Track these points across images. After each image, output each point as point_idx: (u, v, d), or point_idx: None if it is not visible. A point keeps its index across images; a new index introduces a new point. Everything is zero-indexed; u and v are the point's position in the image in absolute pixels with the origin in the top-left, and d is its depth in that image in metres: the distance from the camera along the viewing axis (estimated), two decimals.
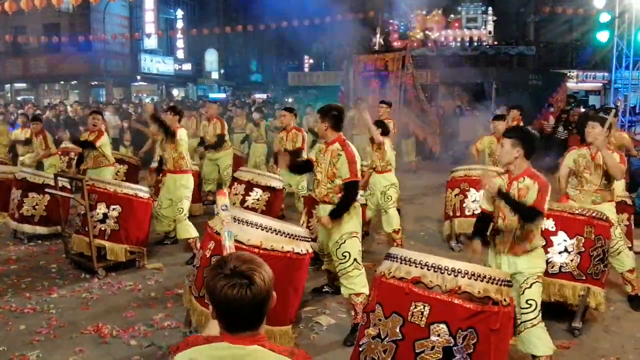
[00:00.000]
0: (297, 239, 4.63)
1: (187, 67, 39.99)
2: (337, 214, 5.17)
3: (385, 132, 7.89)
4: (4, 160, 11.33)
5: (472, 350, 3.33)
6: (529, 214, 4.14)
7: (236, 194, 8.16)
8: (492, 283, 3.42)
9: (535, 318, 4.19)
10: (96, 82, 33.33)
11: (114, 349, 5.04)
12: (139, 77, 34.80)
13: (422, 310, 3.39)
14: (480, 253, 4.44)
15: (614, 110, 7.63)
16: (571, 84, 25.58)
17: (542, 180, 4.18)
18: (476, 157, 8.89)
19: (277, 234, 4.51)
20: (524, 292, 4.19)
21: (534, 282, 4.21)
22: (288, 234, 4.57)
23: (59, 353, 4.96)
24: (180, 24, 37.01)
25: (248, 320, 2.10)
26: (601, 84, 25.80)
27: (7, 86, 33.40)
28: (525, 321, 4.19)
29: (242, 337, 2.10)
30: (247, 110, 17.24)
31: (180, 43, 39.32)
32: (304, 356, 2.17)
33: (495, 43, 25.94)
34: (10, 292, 6.46)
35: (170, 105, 7.99)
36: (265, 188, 8.11)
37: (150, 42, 35.00)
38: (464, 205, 7.89)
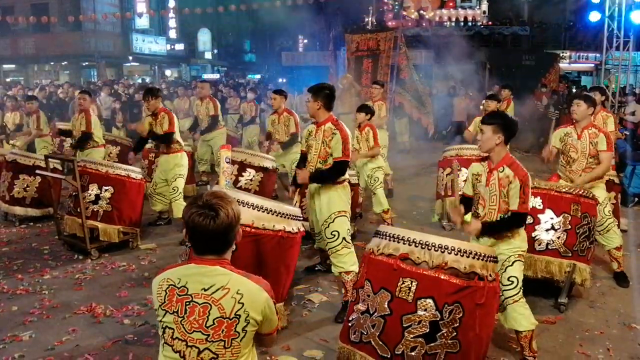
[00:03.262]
0: (288, 218, 4.69)
1: (179, 47, 39.70)
2: (316, 179, 5.25)
3: (371, 114, 8.01)
4: None
5: (458, 324, 3.39)
6: (515, 223, 4.18)
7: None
8: (478, 259, 3.48)
9: (516, 295, 4.24)
10: (87, 63, 33.06)
11: (107, 328, 5.08)
12: (130, 58, 34.55)
13: (410, 285, 3.44)
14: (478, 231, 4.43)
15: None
16: (564, 65, 25.57)
17: (521, 173, 4.15)
18: (470, 141, 8.95)
19: (268, 213, 4.56)
20: (505, 269, 4.23)
21: (515, 260, 4.25)
22: (280, 213, 4.63)
23: (52, 333, 4.99)
24: (172, 3, 36.53)
25: (212, 245, 2.50)
26: (593, 65, 25.81)
27: None
28: (507, 297, 4.24)
29: (207, 259, 2.50)
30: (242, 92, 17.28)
31: (172, 22, 38.96)
32: (258, 278, 2.53)
33: (490, 23, 25.89)
34: (1, 274, 6.48)
35: (147, 90, 7.93)
36: (258, 168, 8.12)
37: (142, 22, 34.73)
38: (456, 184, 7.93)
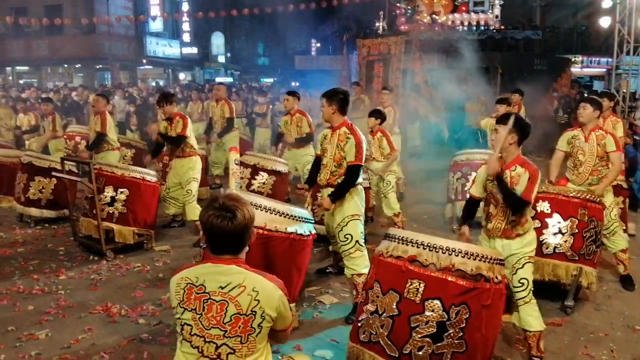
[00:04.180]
0: (300, 221, 4.77)
1: (193, 50, 39.85)
2: (336, 196, 5.26)
3: (383, 119, 8.08)
4: (8, 144, 11.41)
5: (464, 325, 3.46)
6: (517, 203, 4.24)
7: (242, 178, 8.27)
8: (485, 261, 3.54)
9: (527, 296, 4.33)
10: (101, 66, 33.24)
11: (122, 328, 5.17)
12: (144, 61, 34.71)
13: (418, 287, 3.52)
14: (468, 237, 4.55)
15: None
16: (576, 69, 25.51)
17: (532, 168, 4.26)
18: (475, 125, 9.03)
19: (281, 216, 4.65)
20: (516, 272, 4.32)
21: (526, 263, 4.34)
22: (292, 215, 4.71)
23: (68, 332, 5.08)
24: (185, 7, 36.69)
25: (228, 245, 2.63)
26: (605, 69, 25.71)
27: (9, 69, 33.17)
28: (517, 299, 4.34)
29: (223, 259, 2.63)
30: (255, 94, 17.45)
31: (186, 26, 39.12)
32: (272, 277, 2.64)
33: (502, 27, 25.87)
34: (17, 274, 6.57)
35: (161, 96, 8.06)
36: (270, 172, 8.22)
37: (156, 25, 34.89)
38: (466, 188, 7.98)
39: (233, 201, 2.60)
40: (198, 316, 2.55)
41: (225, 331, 2.54)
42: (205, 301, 2.55)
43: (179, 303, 2.60)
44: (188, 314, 2.57)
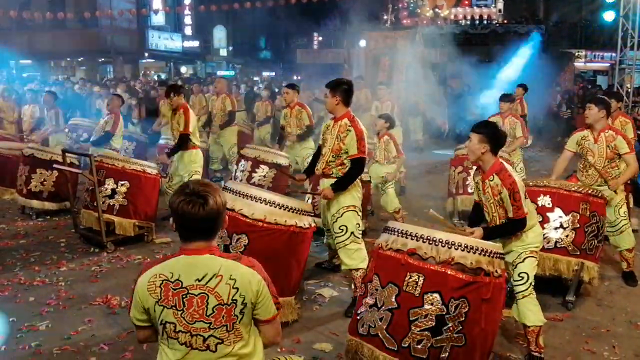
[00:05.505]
0: (300, 213, 4.77)
1: (195, 44, 39.80)
2: (339, 187, 5.18)
3: (392, 124, 8.06)
4: (11, 137, 11.40)
5: (463, 319, 3.46)
6: (513, 228, 4.20)
7: (243, 171, 8.28)
8: (484, 255, 3.54)
9: (526, 290, 4.29)
10: (103, 59, 33.23)
11: (122, 319, 5.16)
12: (146, 54, 34.66)
13: (417, 280, 3.52)
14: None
15: None
16: (579, 64, 25.42)
17: (508, 182, 4.10)
18: None
19: (280, 208, 4.66)
20: (516, 266, 4.29)
21: (527, 257, 4.29)
22: (291, 208, 4.72)
23: (68, 323, 5.09)
24: (187, 0, 36.79)
25: (200, 231, 2.55)
26: (609, 64, 25.61)
27: (12, 62, 33.21)
28: (517, 293, 4.32)
29: (197, 249, 2.56)
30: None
31: (188, 19, 39.06)
32: (250, 261, 2.58)
33: (505, 21, 25.80)
34: (19, 265, 6.59)
35: (169, 87, 7.98)
36: (271, 165, 8.20)
37: (158, 19, 34.80)
38: (467, 182, 7.96)
39: (204, 186, 2.54)
40: (179, 312, 2.50)
41: (210, 323, 2.50)
42: (184, 296, 2.50)
43: (156, 302, 2.52)
44: (168, 312, 2.51)
